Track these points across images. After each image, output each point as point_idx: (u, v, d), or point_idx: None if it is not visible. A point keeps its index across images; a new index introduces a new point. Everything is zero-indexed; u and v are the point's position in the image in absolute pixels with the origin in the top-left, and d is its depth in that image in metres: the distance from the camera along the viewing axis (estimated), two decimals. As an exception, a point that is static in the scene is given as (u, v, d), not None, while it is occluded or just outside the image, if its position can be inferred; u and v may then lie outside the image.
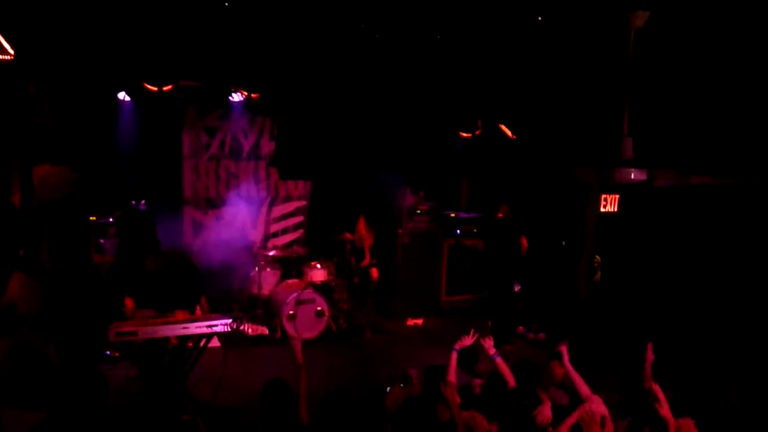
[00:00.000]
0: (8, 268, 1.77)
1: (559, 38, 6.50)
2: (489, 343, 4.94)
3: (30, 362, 1.79)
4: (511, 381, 4.79)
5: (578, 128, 8.10)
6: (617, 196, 8.37)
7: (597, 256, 8.88)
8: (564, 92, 7.84)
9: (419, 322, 9.36)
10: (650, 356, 4.79)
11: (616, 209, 8.40)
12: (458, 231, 9.97)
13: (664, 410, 3.88)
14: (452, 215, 10.13)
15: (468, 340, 4.90)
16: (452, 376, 4.60)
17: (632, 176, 5.13)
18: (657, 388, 4.08)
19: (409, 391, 4.63)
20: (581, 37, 6.35)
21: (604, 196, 8.38)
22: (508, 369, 4.85)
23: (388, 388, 4.20)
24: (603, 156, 5.87)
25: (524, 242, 8.50)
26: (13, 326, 1.68)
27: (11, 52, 5.36)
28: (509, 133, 9.88)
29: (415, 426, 4.02)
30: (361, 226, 8.91)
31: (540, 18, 5.90)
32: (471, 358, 5.41)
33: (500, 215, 8.65)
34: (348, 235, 8.93)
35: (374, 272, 9.13)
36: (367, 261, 8.98)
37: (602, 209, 8.44)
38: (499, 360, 4.87)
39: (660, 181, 6.07)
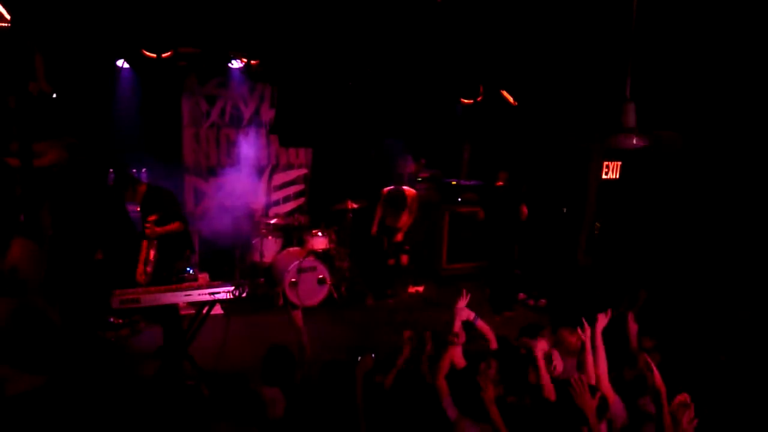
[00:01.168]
0: (9, 233, 1.78)
1: (560, 2, 6.41)
2: (461, 304, 4.84)
3: (32, 324, 1.81)
4: (494, 343, 4.83)
5: (580, 93, 8.04)
6: (619, 162, 8.34)
7: (597, 223, 8.89)
8: (566, 57, 7.76)
9: (420, 289, 9.42)
10: (633, 326, 4.85)
11: (618, 176, 8.38)
12: (459, 198, 9.97)
13: (656, 379, 3.93)
14: (453, 183, 10.11)
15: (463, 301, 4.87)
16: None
17: (634, 141, 5.09)
18: (647, 358, 4.13)
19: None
20: (582, 0, 6.27)
21: (606, 162, 8.35)
22: (491, 331, 4.88)
23: (359, 358, 4.23)
24: (605, 121, 5.83)
25: (524, 210, 8.49)
26: (15, 290, 1.70)
27: (8, 17, 5.29)
28: (511, 99, 9.80)
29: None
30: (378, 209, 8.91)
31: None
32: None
33: (500, 183, 8.62)
34: (350, 204, 8.93)
35: (404, 258, 9.03)
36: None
37: (604, 176, 8.42)
38: (479, 322, 4.86)
39: (663, 145, 6.03)
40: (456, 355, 4.43)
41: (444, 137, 10.57)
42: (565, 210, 9.09)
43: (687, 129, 6.70)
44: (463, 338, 4.59)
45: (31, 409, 2.01)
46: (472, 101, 10.19)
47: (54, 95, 6.27)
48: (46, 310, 1.86)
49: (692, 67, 6.52)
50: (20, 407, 2.04)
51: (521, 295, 8.97)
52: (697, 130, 6.86)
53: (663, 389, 3.90)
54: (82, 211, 5.89)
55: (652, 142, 5.34)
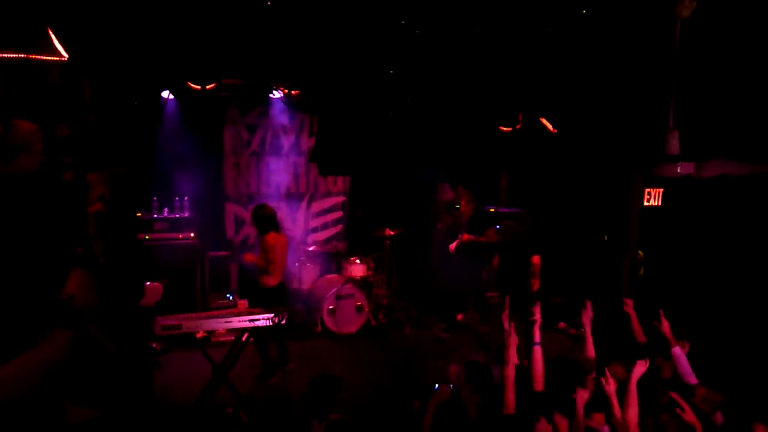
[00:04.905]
0: (69, 264, 1.86)
1: (602, 29, 6.38)
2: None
3: (90, 356, 1.87)
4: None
5: (622, 120, 7.96)
6: (661, 189, 8.19)
7: (640, 251, 8.72)
8: (607, 84, 7.71)
9: (459, 317, 9.32)
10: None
11: (660, 203, 8.22)
12: (498, 226, 9.90)
13: (689, 416, 3.83)
14: (492, 210, 10.06)
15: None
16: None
17: (678, 170, 5.00)
18: (676, 396, 4.04)
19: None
20: (625, 28, 6.23)
21: (647, 189, 8.21)
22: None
23: (437, 386, 4.18)
24: (648, 149, 5.75)
25: (490, 233, 8.51)
26: (72, 319, 1.76)
27: (65, 54, 5.50)
28: (550, 126, 9.74)
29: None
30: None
31: (584, 11, 5.80)
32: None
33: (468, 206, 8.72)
34: (388, 231, 8.95)
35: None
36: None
37: (646, 203, 8.27)
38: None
39: (707, 173, 5.92)
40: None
41: (482, 165, 10.54)
42: (606, 238, 8.95)
43: (731, 156, 6.56)
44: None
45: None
46: (510, 129, 10.16)
47: (101, 126, 6.48)
48: (101, 340, 1.92)
49: (737, 95, 6.41)
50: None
51: (562, 324, 8.82)
52: (741, 157, 6.71)
53: (698, 424, 3.81)
54: (129, 239, 6.02)
55: (696, 169, 5.26)
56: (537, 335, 4.62)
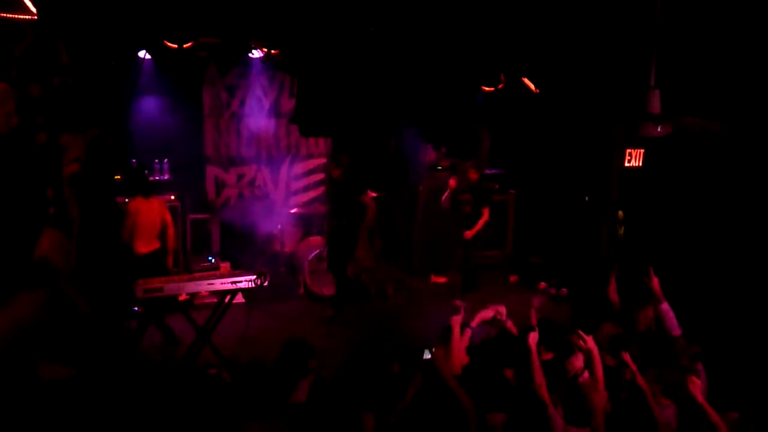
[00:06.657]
0: (40, 224, 1.82)
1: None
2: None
3: (63, 313, 1.85)
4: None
5: (603, 81, 7.93)
6: (642, 150, 8.23)
7: (620, 212, 8.80)
8: (589, 44, 7.66)
9: (443, 279, 9.38)
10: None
11: (640, 164, 8.27)
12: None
13: (638, 378, 3.95)
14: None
15: (488, 313, 4.86)
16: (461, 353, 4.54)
17: (659, 129, 5.01)
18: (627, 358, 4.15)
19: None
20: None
21: (628, 150, 8.25)
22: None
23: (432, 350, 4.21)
24: (628, 109, 5.75)
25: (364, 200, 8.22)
26: (46, 280, 1.74)
27: (34, 11, 5.34)
28: (532, 86, 9.70)
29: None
30: None
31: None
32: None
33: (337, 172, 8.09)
34: (370, 193, 8.92)
35: None
36: None
37: (627, 164, 8.32)
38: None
39: (687, 131, 5.95)
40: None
41: (464, 126, 10.49)
42: (587, 198, 9.01)
43: (712, 116, 6.59)
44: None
45: (63, 396, 2.07)
46: (493, 89, 10.09)
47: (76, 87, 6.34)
48: (76, 301, 1.90)
49: (718, 53, 6.40)
50: (53, 393, 2.10)
51: (542, 284, 8.91)
52: (724, 117, 6.74)
53: (646, 388, 3.93)
54: (106, 202, 5.97)
55: (676, 129, 5.27)
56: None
